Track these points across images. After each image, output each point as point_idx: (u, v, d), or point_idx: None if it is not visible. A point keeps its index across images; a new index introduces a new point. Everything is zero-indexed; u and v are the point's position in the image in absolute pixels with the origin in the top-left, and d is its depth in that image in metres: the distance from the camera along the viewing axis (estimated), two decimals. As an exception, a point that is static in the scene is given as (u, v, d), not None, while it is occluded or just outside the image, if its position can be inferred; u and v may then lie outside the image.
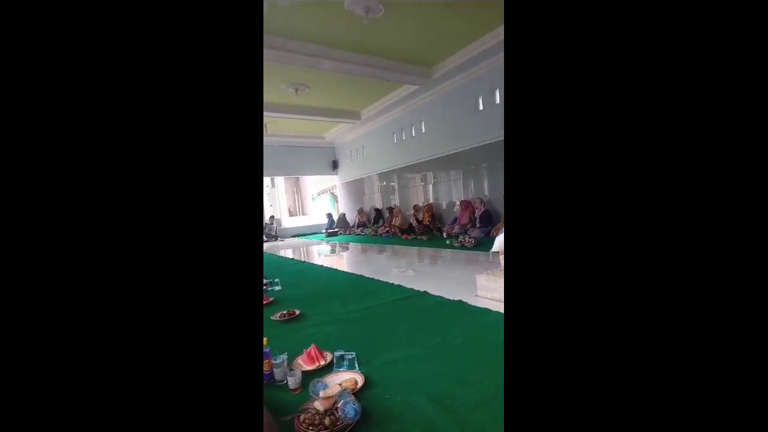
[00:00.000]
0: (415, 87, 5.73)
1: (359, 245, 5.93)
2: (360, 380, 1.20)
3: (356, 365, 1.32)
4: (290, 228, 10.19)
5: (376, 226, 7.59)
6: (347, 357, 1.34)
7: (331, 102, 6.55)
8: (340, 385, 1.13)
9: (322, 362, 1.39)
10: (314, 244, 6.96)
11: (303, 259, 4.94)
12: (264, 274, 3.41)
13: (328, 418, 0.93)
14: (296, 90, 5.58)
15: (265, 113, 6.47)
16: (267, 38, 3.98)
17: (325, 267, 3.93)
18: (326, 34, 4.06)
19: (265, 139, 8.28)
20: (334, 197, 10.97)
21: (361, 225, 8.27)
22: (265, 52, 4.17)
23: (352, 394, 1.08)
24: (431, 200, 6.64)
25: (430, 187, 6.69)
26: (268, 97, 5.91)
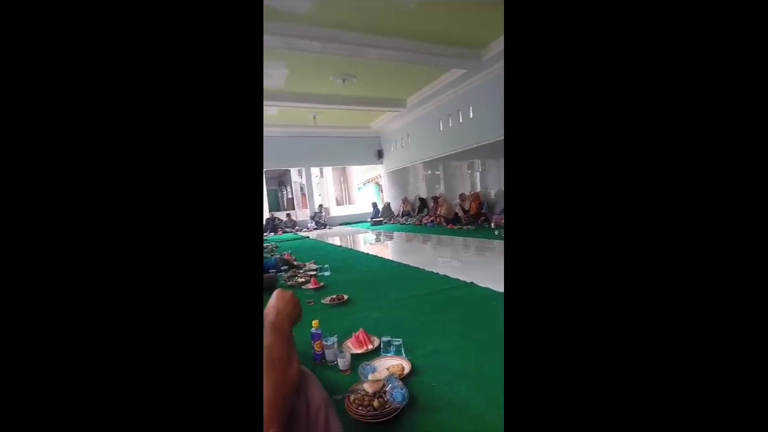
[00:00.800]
0: (463, 71, 5.50)
1: (404, 234, 5.96)
2: (407, 367, 1.23)
3: (403, 352, 1.35)
4: (337, 216, 10.54)
5: (420, 216, 7.55)
6: (394, 343, 1.37)
7: (378, 91, 6.56)
8: (388, 369, 1.17)
9: (370, 347, 1.44)
10: (360, 233, 7.14)
11: (350, 247, 5.10)
12: (315, 260, 3.60)
13: (377, 400, 0.97)
14: (344, 80, 5.66)
15: (313, 105, 6.70)
16: (316, 30, 4.08)
17: (371, 255, 4.02)
18: (373, 22, 4.04)
19: (313, 130, 8.60)
20: (379, 187, 11.09)
21: (406, 214, 8.28)
22: (314, 44, 4.28)
23: (400, 379, 1.11)
24: (479, 189, 6.41)
25: (478, 175, 6.45)
26: (317, 89, 6.09)
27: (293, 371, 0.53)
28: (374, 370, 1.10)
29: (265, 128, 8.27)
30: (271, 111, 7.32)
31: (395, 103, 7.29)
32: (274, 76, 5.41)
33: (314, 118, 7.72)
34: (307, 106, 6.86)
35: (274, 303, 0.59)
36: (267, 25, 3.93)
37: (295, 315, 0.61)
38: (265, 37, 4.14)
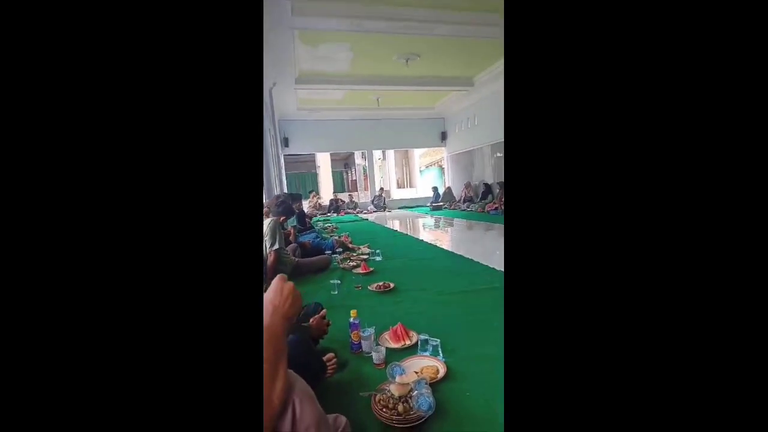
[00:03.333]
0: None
1: (464, 222, 5.71)
2: (442, 370, 1.16)
3: (440, 353, 1.28)
4: (398, 200, 10.57)
5: (484, 202, 7.14)
6: (431, 343, 1.31)
7: (443, 69, 6.22)
8: (417, 373, 1.12)
9: (407, 342, 1.40)
10: (419, 217, 7.05)
11: (406, 232, 5.07)
12: (369, 243, 3.65)
13: (401, 404, 0.93)
14: (407, 60, 5.47)
15: (376, 87, 6.64)
16: (380, 10, 3.96)
17: (426, 242, 3.94)
18: (439, -6, 3.78)
19: (376, 113, 8.59)
20: (442, 170, 10.75)
21: (468, 200, 7.91)
22: (379, 24, 4.17)
23: (431, 383, 1.05)
24: (552, 176, 5.77)
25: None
26: (379, 70, 6.00)
27: (277, 389, 0.47)
28: (403, 371, 1.05)
29: (331, 112, 8.56)
30: (336, 95, 7.48)
31: (462, 81, 6.85)
32: (339, 59, 5.47)
33: (377, 100, 7.69)
34: (370, 89, 6.83)
35: (270, 297, 0.50)
36: (332, 7, 3.93)
37: (292, 313, 0.52)
38: (331, 20, 4.16)
